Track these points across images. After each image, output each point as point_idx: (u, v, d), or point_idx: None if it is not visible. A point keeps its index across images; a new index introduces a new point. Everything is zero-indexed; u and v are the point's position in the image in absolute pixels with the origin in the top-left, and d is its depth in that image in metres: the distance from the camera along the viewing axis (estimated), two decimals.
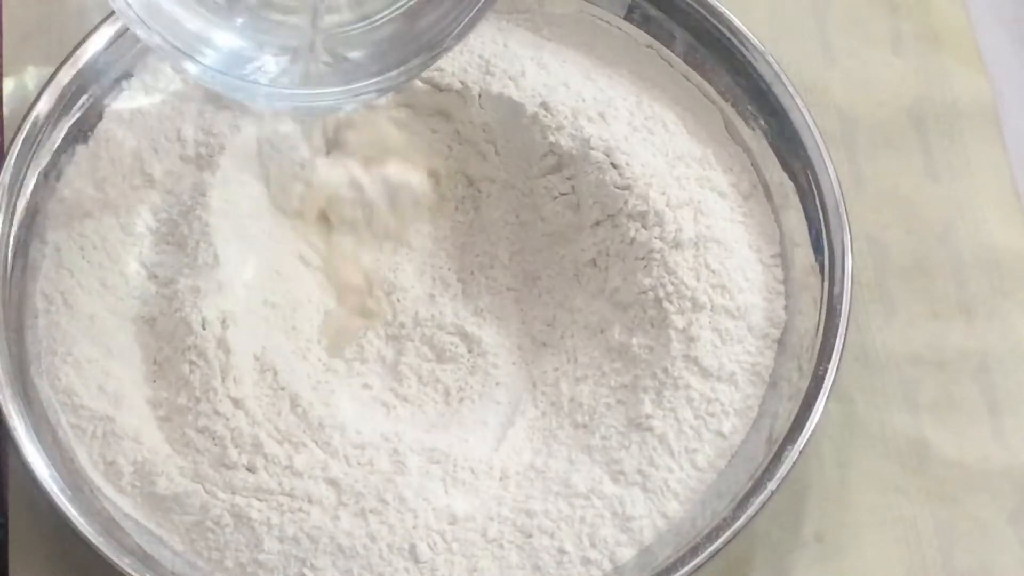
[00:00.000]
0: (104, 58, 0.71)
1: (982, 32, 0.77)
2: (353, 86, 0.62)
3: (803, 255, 0.69)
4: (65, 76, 0.70)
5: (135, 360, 0.67)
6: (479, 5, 0.62)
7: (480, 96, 0.71)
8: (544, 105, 0.70)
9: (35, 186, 0.69)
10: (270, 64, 0.61)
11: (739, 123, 0.72)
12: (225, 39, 0.61)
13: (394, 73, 0.62)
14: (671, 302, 0.67)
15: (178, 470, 0.65)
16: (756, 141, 0.71)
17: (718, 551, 0.62)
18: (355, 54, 0.61)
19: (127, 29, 0.71)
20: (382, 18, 0.62)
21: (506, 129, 0.71)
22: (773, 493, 0.63)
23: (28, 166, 0.69)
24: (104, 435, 0.65)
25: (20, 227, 0.68)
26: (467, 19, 0.62)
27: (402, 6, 0.62)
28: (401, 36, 0.62)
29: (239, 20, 0.61)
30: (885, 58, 0.76)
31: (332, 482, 0.64)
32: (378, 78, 0.61)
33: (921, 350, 0.71)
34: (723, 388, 0.66)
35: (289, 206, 0.70)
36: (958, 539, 0.67)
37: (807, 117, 0.70)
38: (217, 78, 0.61)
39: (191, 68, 0.61)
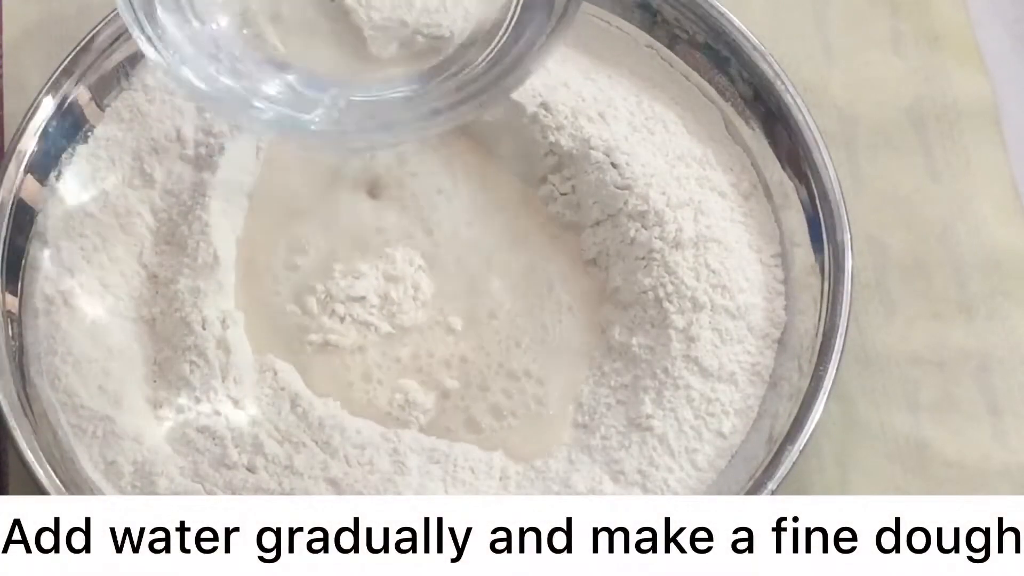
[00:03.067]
0: (104, 58, 0.71)
1: (982, 32, 0.77)
2: (398, 128, 0.63)
3: (803, 255, 0.69)
4: (65, 76, 0.70)
5: (135, 360, 0.67)
6: (539, 45, 0.63)
7: None
8: (544, 105, 0.70)
9: (35, 186, 0.69)
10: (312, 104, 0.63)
11: (739, 123, 0.72)
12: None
13: (440, 118, 0.63)
14: (671, 302, 0.67)
15: (178, 470, 0.65)
16: (756, 141, 0.71)
17: None
18: (399, 94, 0.63)
19: (127, 28, 0.71)
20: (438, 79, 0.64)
21: (506, 129, 0.71)
22: (773, 493, 0.63)
23: (28, 166, 0.69)
24: (104, 435, 0.65)
25: (20, 227, 0.68)
26: (520, 68, 0.63)
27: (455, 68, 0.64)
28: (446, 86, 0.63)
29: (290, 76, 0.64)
30: (885, 58, 0.76)
31: (332, 482, 0.64)
32: (428, 120, 0.63)
33: (921, 350, 0.71)
34: (723, 388, 0.66)
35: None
36: None
37: (807, 117, 0.70)
38: (267, 124, 0.63)
39: (243, 120, 0.63)
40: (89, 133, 0.71)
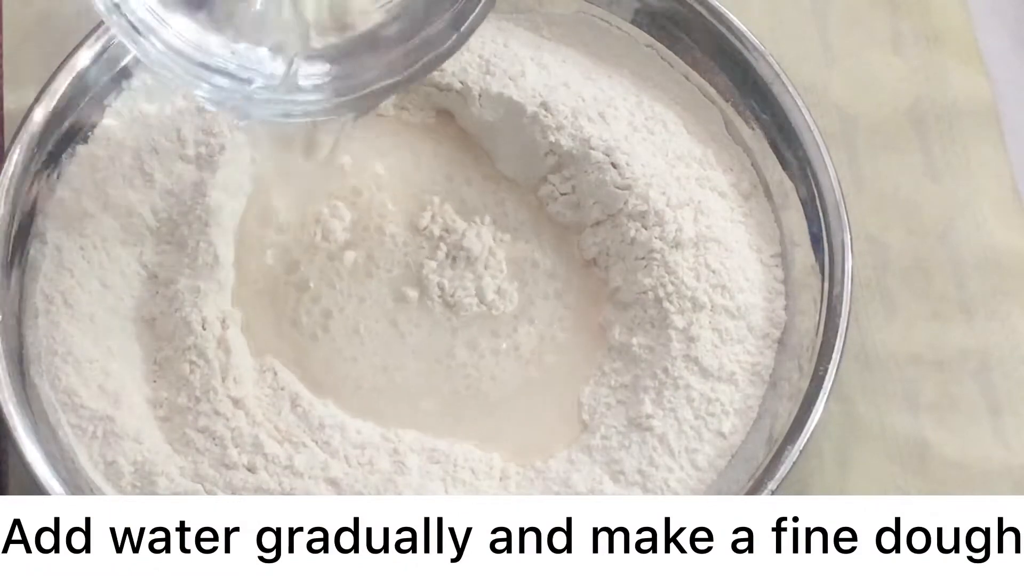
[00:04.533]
0: (104, 58, 0.71)
1: (982, 32, 0.77)
2: (343, 97, 0.63)
3: (803, 255, 0.69)
4: (65, 76, 0.70)
5: (135, 360, 0.67)
6: (476, 10, 0.63)
7: (480, 96, 0.71)
8: (544, 105, 0.70)
9: (35, 186, 0.69)
10: (263, 72, 0.62)
11: (739, 123, 0.72)
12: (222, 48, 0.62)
13: (387, 83, 0.62)
14: (671, 302, 0.67)
15: (178, 470, 0.65)
16: (756, 141, 0.71)
17: None
18: (345, 66, 0.62)
19: None
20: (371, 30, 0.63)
21: (506, 129, 0.71)
22: (773, 493, 0.63)
23: (28, 166, 0.69)
24: (104, 435, 0.65)
25: (20, 227, 0.68)
26: (464, 27, 0.63)
27: (389, 21, 0.63)
28: (392, 46, 0.63)
29: (237, 46, 0.62)
30: (885, 58, 0.76)
31: (332, 482, 0.64)
32: (370, 88, 0.62)
33: (921, 350, 0.71)
34: (723, 388, 0.66)
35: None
36: None
37: (807, 117, 0.70)
38: (215, 93, 0.62)
39: (193, 88, 0.62)
40: (89, 133, 0.71)
